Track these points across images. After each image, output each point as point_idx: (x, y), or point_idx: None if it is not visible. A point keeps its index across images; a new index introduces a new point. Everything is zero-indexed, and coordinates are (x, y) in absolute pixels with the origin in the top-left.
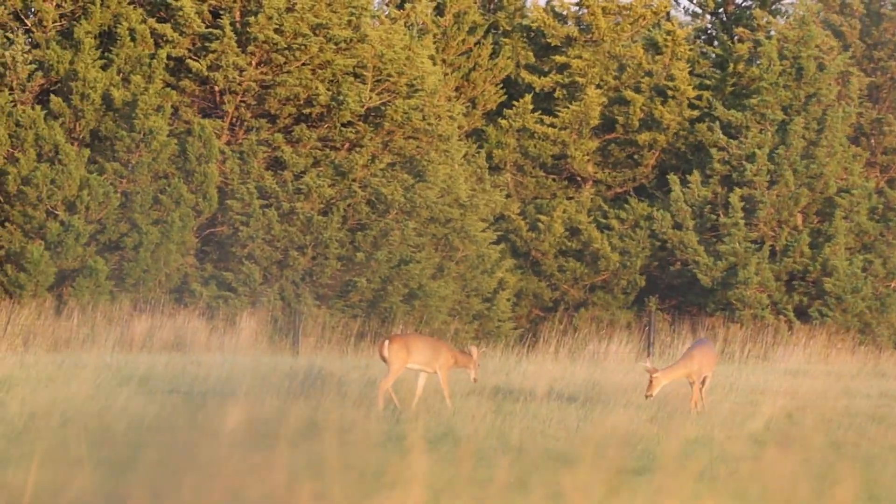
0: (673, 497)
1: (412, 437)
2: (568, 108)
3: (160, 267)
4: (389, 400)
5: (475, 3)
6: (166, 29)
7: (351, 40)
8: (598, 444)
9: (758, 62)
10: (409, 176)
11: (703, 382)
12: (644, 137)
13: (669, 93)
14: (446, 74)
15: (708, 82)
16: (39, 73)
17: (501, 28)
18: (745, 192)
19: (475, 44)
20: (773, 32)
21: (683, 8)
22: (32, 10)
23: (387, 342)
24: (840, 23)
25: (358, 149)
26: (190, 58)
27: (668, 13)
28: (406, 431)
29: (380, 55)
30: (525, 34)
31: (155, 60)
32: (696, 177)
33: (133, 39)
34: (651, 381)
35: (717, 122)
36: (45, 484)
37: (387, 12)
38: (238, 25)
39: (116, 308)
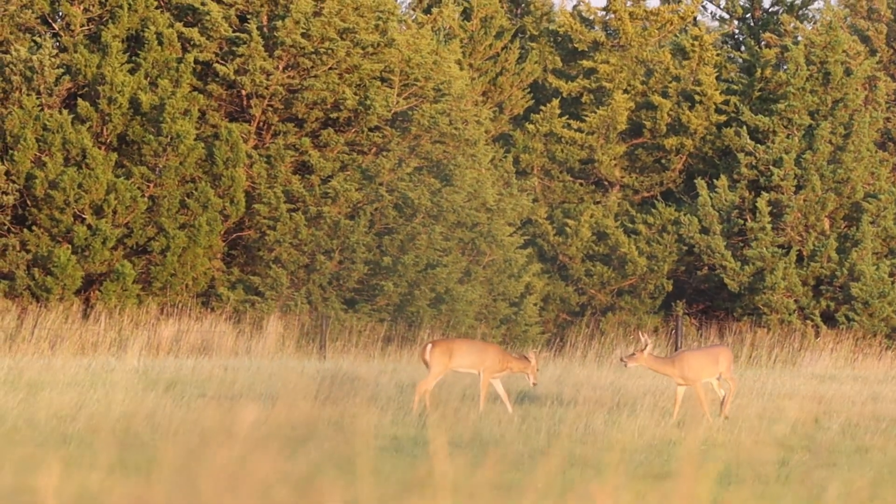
0: (699, 501)
1: (438, 441)
2: (595, 112)
3: (187, 271)
4: (423, 403)
5: (502, 7)
6: (193, 33)
7: (378, 45)
8: (625, 449)
9: (785, 67)
10: (435, 180)
11: (722, 388)
12: (671, 142)
13: (696, 98)
14: (473, 79)
15: (735, 87)
16: (67, 77)
17: (528, 32)
18: (772, 197)
19: (502, 48)
20: (800, 38)
21: (711, 13)
22: (60, 14)
23: (429, 346)
24: (867, 28)
25: (385, 153)
26: (217, 62)
27: (695, 18)
28: (433, 436)
29: (407, 60)
30: (552, 39)
31: (182, 64)
32: (723, 181)
33: (160, 43)
34: (633, 355)
35: (745, 127)
36: (71, 488)
37: (414, 17)
38: (265, 30)
39: (143, 312)
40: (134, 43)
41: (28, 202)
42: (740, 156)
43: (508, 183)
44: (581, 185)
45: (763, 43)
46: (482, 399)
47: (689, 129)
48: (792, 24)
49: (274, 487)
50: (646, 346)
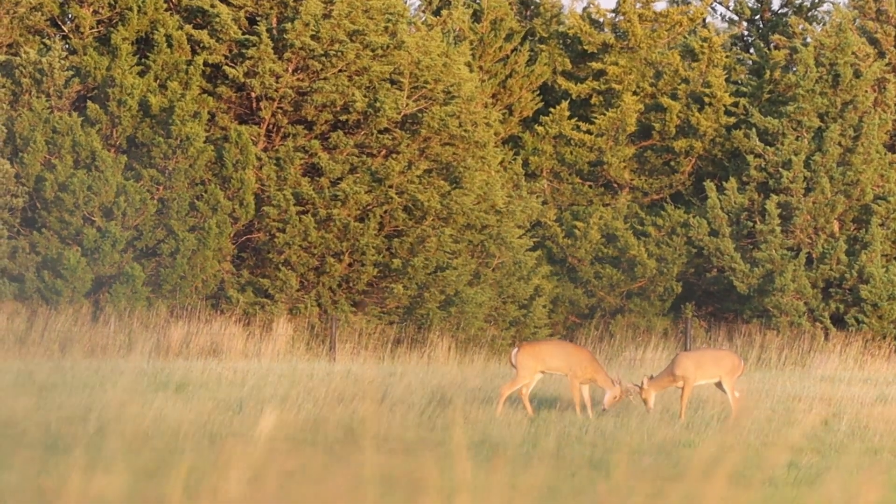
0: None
1: (449, 444)
2: (604, 114)
3: (197, 273)
4: (520, 405)
5: (512, 10)
6: (203, 35)
7: (388, 47)
8: (635, 451)
9: (794, 69)
10: (445, 182)
11: (730, 389)
12: (680, 144)
13: (706, 99)
14: (483, 81)
15: (744, 89)
16: (76, 80)
17: (538, 35)
18: (781, 199)
19: (512, 50)
20: (809, 39)
21: (720, 15)
22: (69, 16)
23: (515, 349)
24: (875, 30)
25: (394, 155)
26: (227, 64)
27: (704, 20)
28: (443, 438)
29: (416, 62)
30: (561, 41)
31: (192, 67)
32: (732, 183)
33: (170, 46)
34: (643, 399)
35: (754, 129)
36: (81, 490)
37: (423, 19)
38: (275, 32)
39: (153, 314)
40: (143, 45)
41: (38, 204)
42: (749, 158)
43: (518, 185)
44: (590, 187)
45: (772, 45)
46: (577, 405)
47: (699, 131)
48: (801, 26)
49: (285, 489)
50: (640, 386)
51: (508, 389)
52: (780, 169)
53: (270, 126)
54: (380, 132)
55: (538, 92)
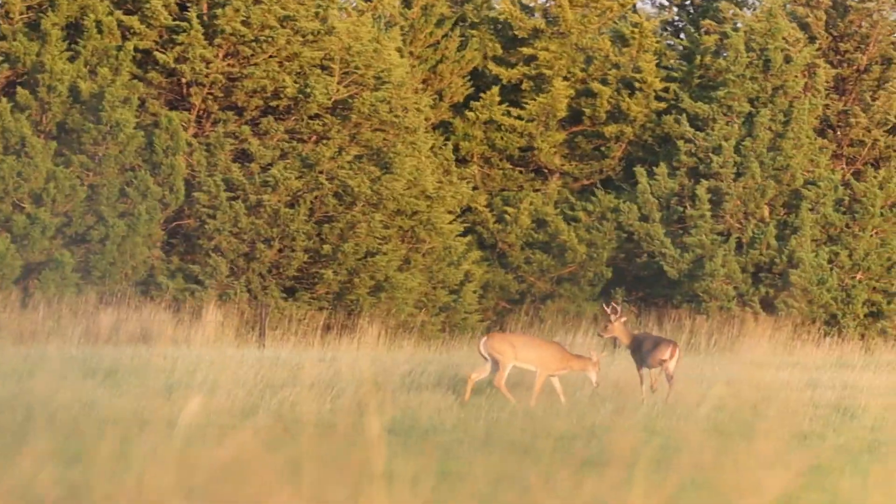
0: (636, 487)
1: (377, 429)
2: (535, 100)
3: (126, 260)
4: (519, 395)
5: None
6: (133, 21)
7: (318, 32)
8: (563, 436)
9: (724, 54)
10: (375, 168)
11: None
12: (611, 129)
13: (636, 85)
14: (413, 67)
15: (675, 74)
16: (6, 65)
17: (469, 20)
18: (711, 185)
19: (442, 36)
20: (739, 25)
21: (650, 0)
22: None
23: (484, 339)
24: (806, 15)
25: (325, 141)
26: (157, 50)
27: (634, 5)
28: (371, 424)
29: (347, 47)
30: (492, 26)
31: (122, 52)
32: (662, 169)
33: (100, 31)
34: (608, 325)
35: (684, 115)
36: (9, 477)
37: (354, 4)
38: (205, 17)
39: (82, 301)
40: (73, 31)
41: None
42: (680, 143)
43: (448, 171)
44: (521, 172)
45: (703, 30)
46: (535, 395)
47: (629, 117)
48: (731, 11)
49: (214, 476)
50: (619, 313)
51: (501, 380)
52: (711, 154)
53: (201, 112)
54: (310, 118)
55: (469, 77)
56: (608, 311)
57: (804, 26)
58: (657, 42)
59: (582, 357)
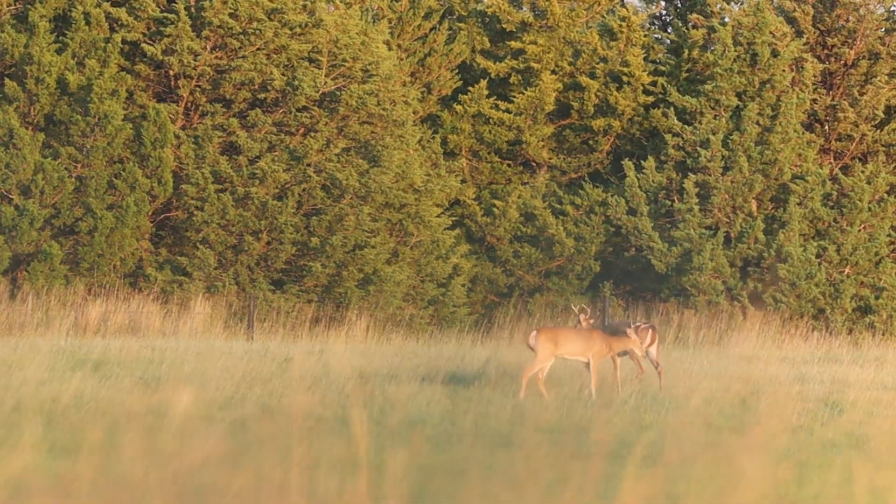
0: (624, 481)
1: (365, 422)
2: (523, 93)
3: (115, 251)
4: (527, 388)
5: None
6: (121, 13)
7: (306, 25)
8: (552, 430)
9: (712, 48)
10: (363, 161)
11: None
12: (599, 123)
13: (624, 79)
14: (401, 60)
15: (663, 68)
16: None
17: (457, 13)
18: (699, 178)
19: (430, 29)
20: (727, 19)
21: None
22: None
23: (534, 332)
24: (793, 9)
25: (313, 134)
26: (145, 42)
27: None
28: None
29: (335, 40)
30: (480, 20)
31: (110, 44)
32: (650, 163)
33: (88, 23)
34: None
35: (672, 108)
36: None
37: None
38: (193, 10)
39: (71, 292)
40: (61, 23)
41: None
42: (667, 137)
43: (436, 164)
44: (509, 166)
45: (690, 24)
46: (593, 385)
47: (617, 111)
48: (719, 6)
49: (202, 467)
50: (586, 311)
51: (528, 373)
52: (699, 148)
53: (189, 104)
54: (298, 110)
55: (457, 70)
56: (576, 311)
57: (791, 20)
58: (645, 36)
59: (621, 337)
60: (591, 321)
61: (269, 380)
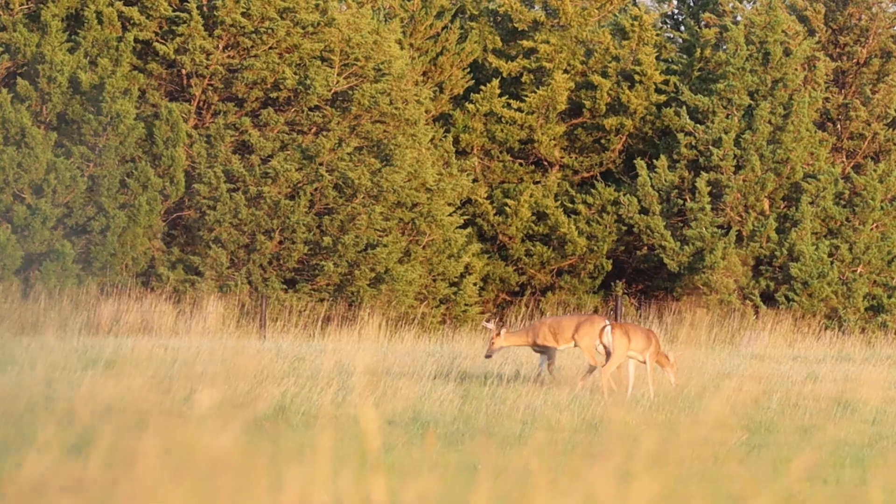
0: (637, 480)
1: (378, 421)
2: (535, 92)
3: (127, 251)
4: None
5: None
6: (133, 12)
7: (318, 24)
8: (564, 429)
9: (724, 47)
10: (375, 160)
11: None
12: (611, 122)
13: (636, 77)
14: (413, 59)
15: (675, 67)
16: (6, 56)
17: (469, 12)
18: (711, 177)
19: (442, 28)
20: (739, 18)
21: None
22: None
23: (608, 327)
24: (805, 7)
25: (325, 133)
26: (157, 41)
27: None
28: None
29: (347, 39)
30: (492, 19)
31: (122, 43)
32: (662, 161)
33: (100, 22)
34: (491, 343)
35: (684, 107)
36: (9, 468)
37: None
38: (205, 9)
39: (83, 292)
40: (73, 22)
41: None
42: (680, 136)
43: (448, 163)
44: (521, 165)
45: (702, 23)
46: (651, 383)
47: (629, 109)
48: (731, 4)
49: (214, 466)
50: (498, 331)
51: (609, 371)
52: (711, 147)
53: (201, 103)
54: (310, 109)
55: (469, 70)
56: (488, 326)
57: (803, 19)
58: (657, 35)
59: (664, 354)
60: (505, 328)
61: (282, 379)
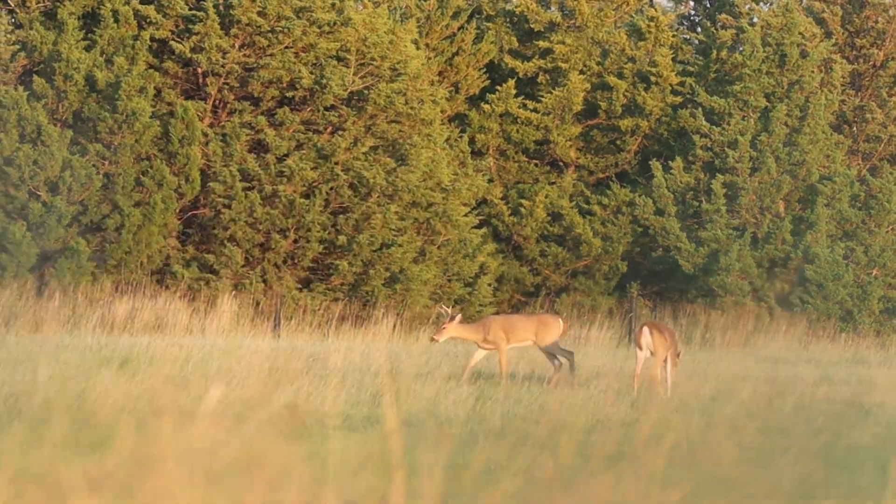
0: (654, 483)
1: (393, 421)
2: (551, 93)
3: (142, 249)
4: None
5: None
6: (150, 10)
7: (334, 24)
8: (579, 430)
9: (741, 49)
10: (391, 160)
11: (553, 353)
12: (626, 123)
13: (652, 79)
14: (429, 59)
15: (691, 69)
16: (22, 54)
17: (485, 13)
18: (727, 179)
19: (459, 28)
20: (756, 19)
21: None
22: None
23: (647, 329)
24: (822, 10)
25: (340, 132)
26: (173, 40)
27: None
28: (387, 415)
29: (363, 39)
30: (508, 19)
31: (138, 42)
32: (678, 163)
33: (116, 21)
34: (442, 328)
35: (700, 109)
36: (25, 466)
37: None
38: (221, 8)
39: (98, 289)
40: (90, 20)
41: None
42: (695, 137)
43: (464, 163)
44: (536, 165)
45: (719, 24)
46: (669, 382)
47: (645, 111)
48: (747, 6)
49: (229, 465)
50: (453, 317)
51: (656, 371)
52: (726, 148)
53: (217, 102)
54: (326, 109)
55: (485, 70)
56: (444, 310)
57: (820, 21)
58: (673, 36)
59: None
60: (459, 317)
61: (297, 378)
